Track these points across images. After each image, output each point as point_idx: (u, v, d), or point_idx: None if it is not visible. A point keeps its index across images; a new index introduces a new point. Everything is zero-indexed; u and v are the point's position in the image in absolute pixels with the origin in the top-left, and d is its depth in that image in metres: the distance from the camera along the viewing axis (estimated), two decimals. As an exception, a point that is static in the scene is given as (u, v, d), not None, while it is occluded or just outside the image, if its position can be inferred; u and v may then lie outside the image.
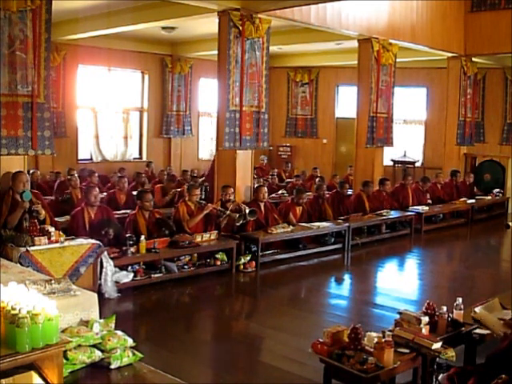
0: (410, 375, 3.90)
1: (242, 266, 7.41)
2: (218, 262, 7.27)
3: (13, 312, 2.80)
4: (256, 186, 8.83)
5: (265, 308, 6.49)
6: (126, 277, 6.39)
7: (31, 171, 9.30)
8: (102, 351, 3.52)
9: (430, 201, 11.16)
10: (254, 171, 9.34)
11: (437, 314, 4.12)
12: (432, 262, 8.81)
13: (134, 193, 9.11)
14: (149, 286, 6.56)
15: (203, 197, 8.38)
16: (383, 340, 3.63)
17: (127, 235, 6.66)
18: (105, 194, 9.51)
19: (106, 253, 6.11)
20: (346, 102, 14.92)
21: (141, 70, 13.91)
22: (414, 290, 7.28)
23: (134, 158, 14.00)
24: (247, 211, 7.55)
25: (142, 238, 6.64)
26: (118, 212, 8.33)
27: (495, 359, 3.12)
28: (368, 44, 10.14)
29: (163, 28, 11.00)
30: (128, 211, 7.98)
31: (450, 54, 12.21)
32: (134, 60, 13.45)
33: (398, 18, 10.40)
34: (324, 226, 8.53)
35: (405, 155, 14.53)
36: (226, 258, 7.33)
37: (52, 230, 5.85)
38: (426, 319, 4.00)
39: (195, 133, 14.88)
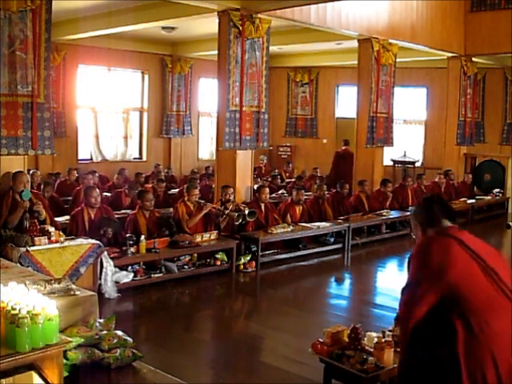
0: (409, 375, 3.89)
1: (242, 266, 7.41)
2: (218, 262, 7.27)
3: (13, 312, 2.80)
4: (258, 185, 8.83)
5: (265, 308, 6.49)
6: (126, 277, 6.39)
7: (31, 171, 9.28)
8: (102, 351, 3.52)
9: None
10: (254, 171, 9.35)
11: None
12: (432, 262, 8.79)
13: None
14: (149, 286, 6.57)
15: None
16: (383, 340, 3.63)
17: (127, 235, 6.66)
18: (106, 193, 9.51)
19: (105, 253, 6.11)
20: (346, 102, 14.92)
21: (141, 70, 13.91)
22: (413, 289, 7.26)
23: (134, 158, 14.00)
24: (246, 212, 7.55)
25: (142, 237, 6.64)
26: (119, 212, 8.34)
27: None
28: (368, 44, 10.14)
29: (163, 28, 11.00)
30: (129, 211, 7.98)
31: (450, 54, 12.21)
32: (134, 60, 13.44)
33: (398, 18, 10.40)
34: (324, 225, 8.53)
35: (405, 155, 14.52)
36: (226, 258, 7.33)
37: (52, 230, 5.85)
38: (425, 319, 3.99)
39: (195, 133, 14.88)
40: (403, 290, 2.60)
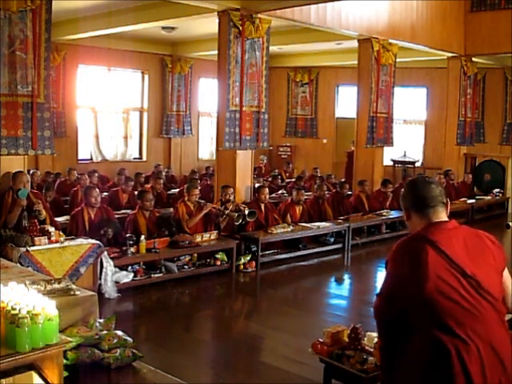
0: (409, 375, 3.89)
1: (242, 266, 7.41)
2: (218, 262, 7.27)
3: (13, 312, 2.80)
4: (258, 185, 8.83)
5: (265, 308, 6.49)
6: (126, 277, 6.39)
7: (31, 171, 9.28)
8: (102, 351, 3.52)
9: None
10: (254, 171, 9.35)
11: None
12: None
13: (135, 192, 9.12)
14: (149, 286, 6.57)
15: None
16: (383, 340, 3.62)
17: (127, 235, 6.66)
18: (105, 193, 9.51)
19: (105, 253, 6.11)
20: (346, 102, 14.92)
21: (141, 70, 13.91)
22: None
23: (134, 158, 14.00)
24: (246, 212, 7.55)
25: (142, 237, 6.64)
26: (119, 212, 8.33)
27: None
28: (368, 44, 10.14)
29: (163, 28, 11.00)
30: (128, 211, 7.98)
31: (450, 54, 12.21)
32: (134, 60, 13.44)
33: (398, 18, 10.40)
34: (324, 225, 8.53)
35: (405, 155, 14.53)
36: (226, 258, 7.33)
37: (52, 230, 5.85)
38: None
39: (195, 133, 14.88)
40: (377, 295, 2.51)
